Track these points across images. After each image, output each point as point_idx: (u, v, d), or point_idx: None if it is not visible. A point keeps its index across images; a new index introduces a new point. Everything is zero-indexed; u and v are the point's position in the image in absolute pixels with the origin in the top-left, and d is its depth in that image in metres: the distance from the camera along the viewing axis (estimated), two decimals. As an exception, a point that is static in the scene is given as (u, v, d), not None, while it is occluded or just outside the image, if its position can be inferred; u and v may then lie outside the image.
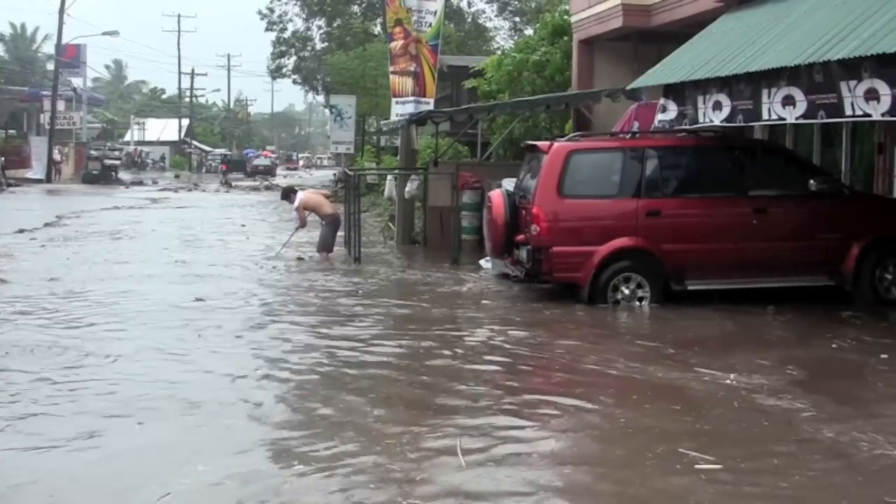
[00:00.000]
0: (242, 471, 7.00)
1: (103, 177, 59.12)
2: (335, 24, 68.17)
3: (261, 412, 8.68)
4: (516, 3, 68.79)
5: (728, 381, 9.62)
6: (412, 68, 24.75)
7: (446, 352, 11.13)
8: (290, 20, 71.28)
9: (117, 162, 67.84)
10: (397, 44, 25.09)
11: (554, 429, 8.19)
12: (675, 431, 7.98)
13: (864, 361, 10.87)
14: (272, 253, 21.03)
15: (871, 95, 10.76)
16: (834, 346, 11.55)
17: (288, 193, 22.05)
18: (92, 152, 64.12)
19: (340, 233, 21.45)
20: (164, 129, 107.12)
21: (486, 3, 70.89)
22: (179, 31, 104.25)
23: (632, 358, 10.74)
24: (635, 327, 13.31)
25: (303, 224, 21.02)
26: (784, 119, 12.56)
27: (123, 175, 65.05)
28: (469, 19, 70.37)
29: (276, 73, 75.31)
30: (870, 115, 10.98)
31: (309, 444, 7.61)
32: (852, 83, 11.01)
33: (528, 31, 52.71)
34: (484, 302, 15.08)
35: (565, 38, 25.67)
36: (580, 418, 8.45)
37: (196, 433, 8.09)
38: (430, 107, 24.45)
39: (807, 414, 8.48)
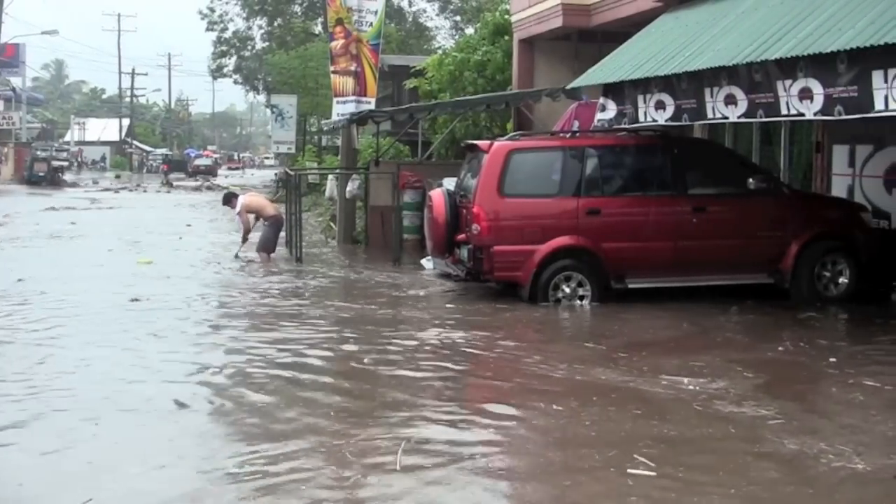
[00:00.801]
0: (172, 475, 6.93)
1: (49, 179, 57.01)
2: (276, 24, 67.90)
3: (196, 417, 8.58)
4: (457, 2, 68.76)
5: (689, 386, 9.39)
6: (353, 68, 24.62)
7: (387, 354, 11.03)
8: (231, 20, 71.02)
9: (65, 163, 66.38)
10: (338, 43, 24.95)
11: (497, 434, 8.02)
12: (624, 438, 7.78)
13: (821, 365, 10.63)
14: (226, 253, 20.82)
15: (805, 95, 10.84)
16: (781, 348, 11.37)
17: (229, 198, 21.77)
18: (38, 153, 61.82)
19: (282, 234, 21.29)
20: (105, 129, 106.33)
21: (427, 2, 71.11)
22: (119, 30, 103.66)
23: (586, 361, 10.60)
24: (586, 327, 13.31)
25: (247, 229, 20.71)
26: (727, 118, 12.64)
27: (66, 176, 63.83)
28: (410, 18, 70.39)
29: (216, 72, 74.96)
30: (803, 115, 11.06)
31: (241, 451, 7.46)
32: (788, 82, 11.09)
33: (469, 31, 52.64)
34: (425, 302, 15.07)
35: (506, 37, 25.70)
36: (524, 424, 8.33)
37: (130, 437, 7.99)
38: (372, 106, 24.34)
39: (774, 422, 8.20)
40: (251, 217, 20.66)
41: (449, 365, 10.55)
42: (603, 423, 8.25)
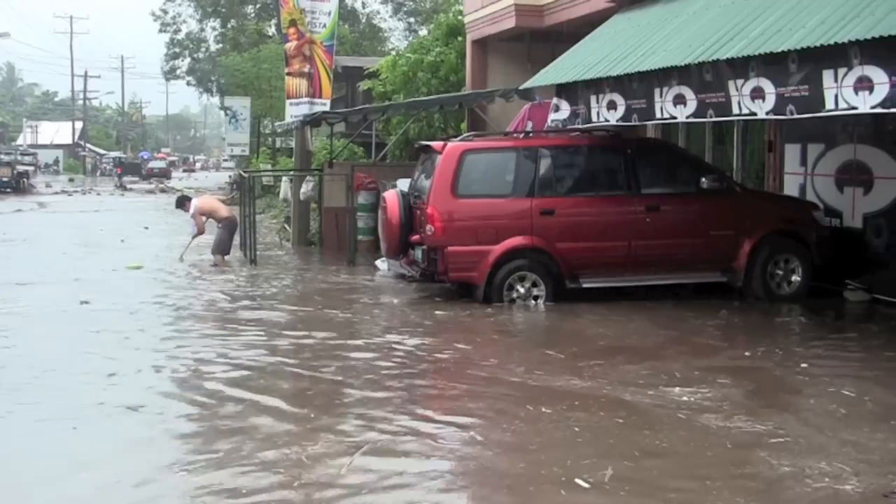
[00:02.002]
0: (111, 481, 6.83)
1: (15, 185, 52.74)
2: (229, 26, 67.53)
3: (137, 421, 8.46)
4: (411, 3, 68.76)
5: (682, 398, 8.99)
6: (307, 69, 24.51)
7: (341, 358, 10.94)
8: (184, 21, 70.62)
9: (30, 168, 64.53)
10: (292, 45, 24.83)
11: (453, 442, 7.92)
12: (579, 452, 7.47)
13: (794, 373, 10.26)
14: (175, 256, 20.68)
15: (757, 94, 10.87)
16: (748, 353, 11.14)
17: (182, 202, 21.57)
18: (2, 157, 59.63)
19: (237, 237, 21.18)
20: (58, 132, 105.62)
21: (381, 3, 70.91)
22: (72, 32, 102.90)
23: (545, 366, 10.44)
24: (546, 331, 13.19)
25: (201, 231, 20.57)
26: (675, 118, 12.65)
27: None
28: (363, 20, 70.20)
29: (169, 74, 74.60)
30: (755, 114, 11.09)
31: (186, 459, 7.35)
32: (739, 82, 11.12)
33: (423, 32, 52.74)
34: (380, 304, 15.05)
35: (459, 38, 25.76)
36: (481, 432, 8.18)
37: (74, 442, 7.93)
38: (327, 108, 24.27)
39: (774, 440, 7.66)
40: (204, 219, 20.59)
41: (403, 369, 10.47)
42: (554, 433, 8.08)
